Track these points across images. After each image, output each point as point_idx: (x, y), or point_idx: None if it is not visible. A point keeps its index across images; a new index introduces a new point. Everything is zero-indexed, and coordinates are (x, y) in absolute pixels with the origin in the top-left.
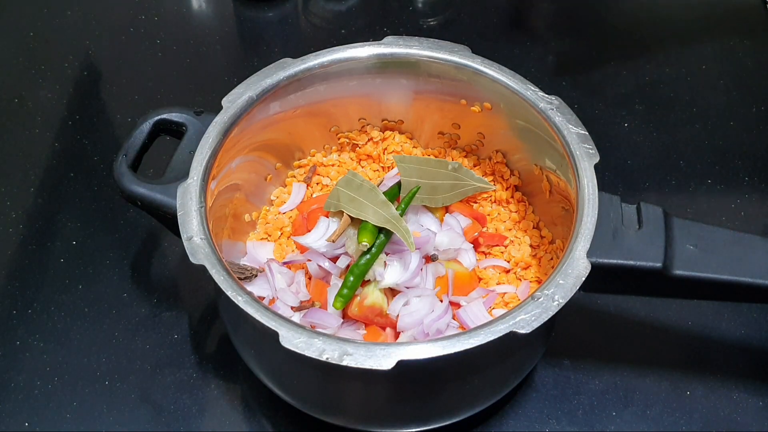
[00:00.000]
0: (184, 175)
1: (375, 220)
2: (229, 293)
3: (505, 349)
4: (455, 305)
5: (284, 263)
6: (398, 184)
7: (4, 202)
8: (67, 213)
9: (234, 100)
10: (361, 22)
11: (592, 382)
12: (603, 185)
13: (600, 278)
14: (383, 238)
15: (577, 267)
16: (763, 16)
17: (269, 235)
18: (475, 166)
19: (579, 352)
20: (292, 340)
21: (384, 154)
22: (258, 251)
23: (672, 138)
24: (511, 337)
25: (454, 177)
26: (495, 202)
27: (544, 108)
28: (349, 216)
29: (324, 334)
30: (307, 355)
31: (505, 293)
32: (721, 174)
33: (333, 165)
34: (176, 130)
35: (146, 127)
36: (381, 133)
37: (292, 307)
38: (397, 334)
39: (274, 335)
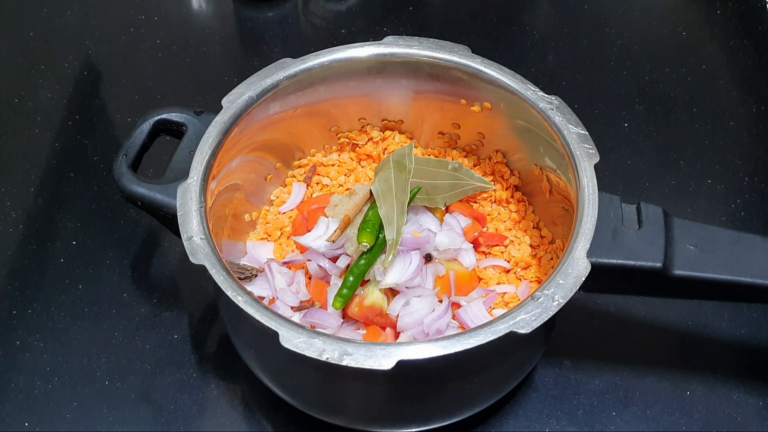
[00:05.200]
0: (184, 175)
1: (383, 212)
2: (229, 293)
3: (505, 349)
4: (455, 305)
5: (284, 263)
6: None
7: (4, 202)
8: (67, 213)
9: (234, 100)
10: (361, 22)
11: (592, 382)
12: (603, 185)
13: (600, 278)
14: (383, 238)
15: (577, 267)
16: (763, 16)
17: (269, 235)
18: (475, 166)
19: (579, 352)
20: (292, 340)
21: (384, 154)
22: (258, 251)
23: (672, 138)
24: (511, 337)
25: (454, 177)
26: (495, 202)
27: (544, 108)
28: (348, 215)
29: (324, 334)
30: (307, 355)
31: (505, 293)
32: (721, 174)
33: (333, 165)
34: (176, 130)
35: (146, 127)
36: (381, 133)
37: (292, 307)
38: (397, 334)
39: (274, 335)
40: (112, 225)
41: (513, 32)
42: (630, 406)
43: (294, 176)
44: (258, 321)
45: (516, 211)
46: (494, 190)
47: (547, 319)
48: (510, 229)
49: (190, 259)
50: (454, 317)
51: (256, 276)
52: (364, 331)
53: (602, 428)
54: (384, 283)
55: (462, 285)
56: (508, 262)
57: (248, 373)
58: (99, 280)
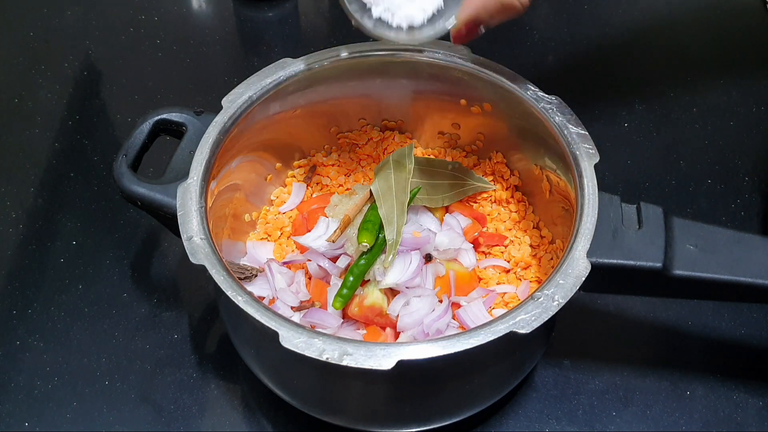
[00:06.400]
0: (184, 175)
1: (383, 212)
2: (229, 293)
3: (505, 349)
4: (455, 305)
5: (284, 263)
6: None
7: (4, 202)
8: (67, 213)
9: (234, 100)
10: None
11: (592, 382)
12: (603, 185)
13: (600, 278)
14: (383, 238)
15: (577, 267)
16: (763, 16)
17: (269, 235)
18: (475, 166)
19: (579, 352)
20: (292, 340)
21: (384, 154)
22: (258, 251)
23: (672, 138)
24: (511, 337)
25: (454, 177)
26: (495, 202)
27: (544, 108)
28: (348, 215)
29: (324, 334)
30: (307, 355)
31: (505, 293)
32: (721, 174)
33: (333, 165)
34: (176, 130)
35: (146, 127)
36: (381, 133)
37: (292, 307)
38: (397, 334)
39: (274, 335)
40: (112, 225)
41: (513, 32)
42: (630, 406)
43: (294, 176)
44: (258, 321)
45: (516, 211)
46: (494, 190)
47: (547, 319)
48: (510, 229)
49: (190, 259)
50: (454, 317)
51: (256, 276)
52: (364, 331)
53: (602, 428)
54: (384, 283)
55: (462, 285)
56: (508, 262)
57: (248, 373)
58: (99, 280)
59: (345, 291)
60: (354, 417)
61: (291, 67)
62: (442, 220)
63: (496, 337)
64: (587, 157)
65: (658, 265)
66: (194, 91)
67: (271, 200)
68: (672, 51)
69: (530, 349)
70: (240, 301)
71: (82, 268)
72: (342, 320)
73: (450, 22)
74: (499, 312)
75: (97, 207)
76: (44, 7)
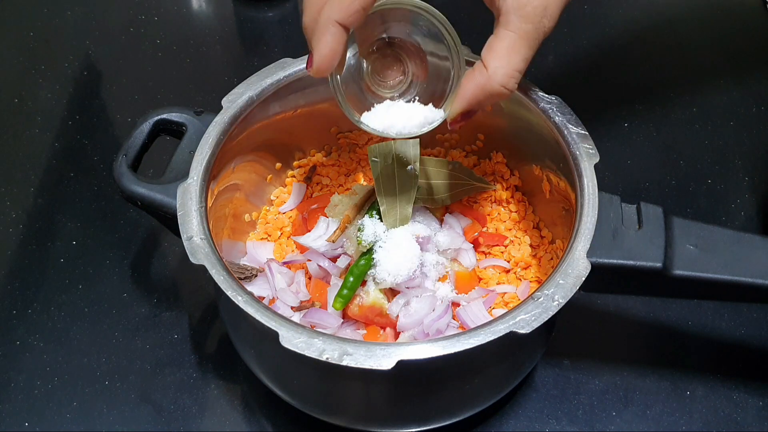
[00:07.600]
0: (184, 175)
1: (384, 209)
2: (229, 293)
3: (505, 349)
4: (455, 305)
5: (284, 263)
6: None
7: (4, 202)
8: (67, 213)
9: (234, 100)
10: None
11: (592, 382)
12: (603, 185)
13: (600, 278)
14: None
15: (577, 267)
16: (763, 16)
17: (269, 235)
18: (475, 166)
19: (579, 352)
20: (292, 340)
21: None
22: (258, 251)
23: (672, 138)
24: (511, 337)
25: (454, 177)
26: (495, 202)
27: (544, 108)
28: (348, 215)
29: (324, 334)
30: (307, 355)
31: (505, 293)
32: (721, 174)
33: (333, 165)
34: (176, 130)
35: (146, 127)
36: None
37: (292, 307)
38: (397, 334)
39: (274, 335)
40: (112, 225)
41: None
42: (630, 406)
43: (294, 176)
44: (258, 321)
45: (516, 211)
46: (494, 190)
47: (547, 319)
48: (510, 229)
49: (190, 259)
50: (454, 317)
51: (256, 276)
52: (364, 331)
53: (602, 428)
54: (384, 283)
55: (462, 285)
56: (508, 262)
57: (248, 373)
58: (99, 280)
59: (345, 291)
60: (354, 417)
61: (291, 67)
62: (442, 220)
63: (496, 337)
64: (587, 157)
65: (658, 265)
66: (194, 91)
67: (271, 200)
68: (672, 51)
69: (530, 349)
70: (240, 301)
71: (82, 268)
72: (342, 320)
73: (440, 119)
74: (499, 312)
75: (97, 207)
76: (44, 7)
